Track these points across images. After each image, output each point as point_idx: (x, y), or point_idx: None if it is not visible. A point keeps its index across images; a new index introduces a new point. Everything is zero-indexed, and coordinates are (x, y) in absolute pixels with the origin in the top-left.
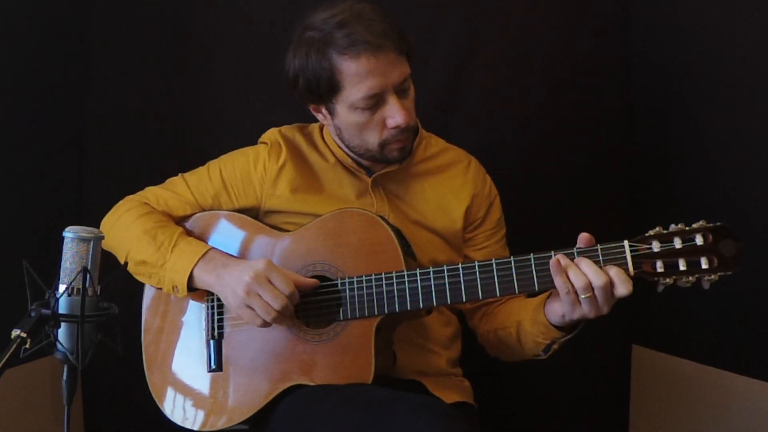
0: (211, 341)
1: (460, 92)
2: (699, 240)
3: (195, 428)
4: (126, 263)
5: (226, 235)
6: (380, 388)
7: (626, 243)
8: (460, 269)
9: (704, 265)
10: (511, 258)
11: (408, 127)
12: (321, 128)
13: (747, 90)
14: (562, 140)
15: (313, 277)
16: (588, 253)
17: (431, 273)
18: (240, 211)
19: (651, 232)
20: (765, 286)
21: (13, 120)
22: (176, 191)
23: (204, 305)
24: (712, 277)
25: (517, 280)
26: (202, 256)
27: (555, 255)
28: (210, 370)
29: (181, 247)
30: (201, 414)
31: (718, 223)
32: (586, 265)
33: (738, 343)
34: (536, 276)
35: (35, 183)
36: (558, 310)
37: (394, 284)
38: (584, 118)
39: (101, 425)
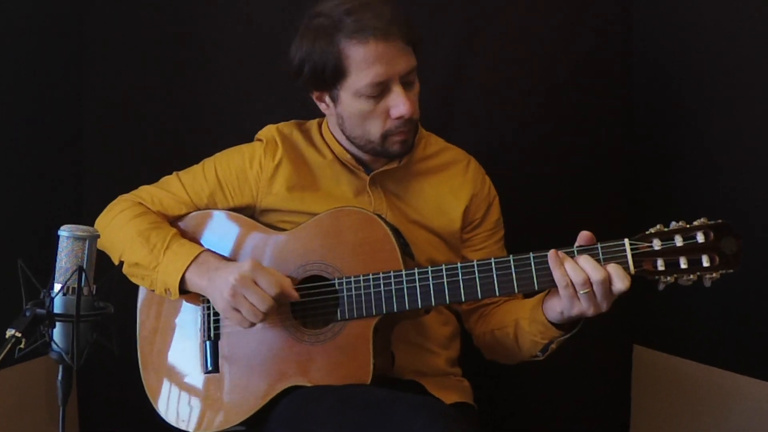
0: (207, 342)
1: (460, 92)
2: (700, 237)
3: (189, 429)
4: (121, 263)
5: (221, 234)
6: (379, 389)
7: (626, 241)
8: (459, 269)
9: (705, 263)
10: (510, 257)
11: (411, 120)
12: (319, 125)
13: (747, 89)
14: (563, 140)
15: (310, 276)
16: (588, 252)
17: (430, 272)
18: (235, 209)
19: (651, 230)
20: (767, 285)
21: (12, 119)
22: (171, 190)
23: (199, 307)
24: (714, 275)
25: (516, 279)
26: (194, 259)
27: None
28: (207, 372)
29: (173, 250)
30: (196, 415)
31: (720, 221)
32: (585, 260)
33: (740, 342)
34: (536, 275)
35: (34, 182)
36: (557, 306)
37: (392, 284)
38: (584, 117)
39: (97, 426)
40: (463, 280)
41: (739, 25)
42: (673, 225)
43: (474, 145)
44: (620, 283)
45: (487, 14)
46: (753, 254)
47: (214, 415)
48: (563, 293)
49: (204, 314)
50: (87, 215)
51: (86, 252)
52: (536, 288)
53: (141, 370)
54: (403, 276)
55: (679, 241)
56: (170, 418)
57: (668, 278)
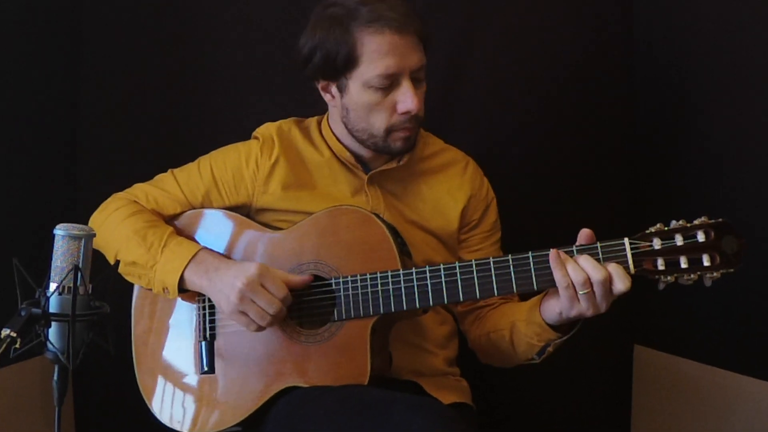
0: (203, 343)
1: (460, 91)
2: (701, 237)
3: (184, 430)
4: (117, 263)
5: (217, 234)
6: (376, 389)
7: (626, 240)
8: (457, 268)
9: (706, 263)
10: (509, 256)
11: (417, 116)
12: (319, 122)
13: (748, 88)
14: (563, 139)
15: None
16: (588, 251)
17: (427, 272)
18: (231, 208)
19: (652, 229)
20: None
21: (6, 117)
22: (166, 188)
23: (195, 306)
24: (714, 274)
25: (515, 279)
26: (193, 257)
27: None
28: (202, 372)
29: (171, 248)
30: (190, 415)
31: (720, 220)
32: (585, 260)
33: (741, 342)
34: (535, 274)
35: (29, 181)
36: (555, 307)
37: (390, 284)
38: (585, 116)
39: (92, 426)
40: (461, 280)
41: (739, 24)
42: (674, 224)
43: (473, 145)
44: (621, 283)
45: (486, 13)
46: (754, 253)
47: (209, 415)
48: (563, 294)
49: (200, 314)
50: (82, 213)
51: (82, 251)
52: (535, 288)
53: (136, 371)
54: (401, 276)
55: (679, 240)
56: (165, 419)
57: (669, 278)
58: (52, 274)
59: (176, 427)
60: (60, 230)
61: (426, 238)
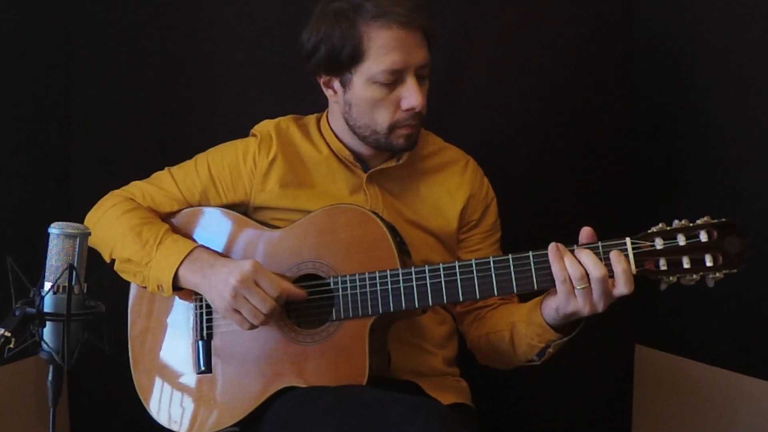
0: (200, 342)
1: (460, 91)
2: (703, 237)
3: (181, 431)
4: (112, 261)
5: (215, 232)
6: (375, 390)
7: (628, 240)
8: (457, 268)
9: (709, 263)
10: (509, 256)
11: (420, 114)
12: (318, 120)
13: (750, 87)
14: (564, 138)
15: (304, 275)
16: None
17: (427, 272)
18: (228, 206)
19: (654, 229)
20: None
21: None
22: (162, 186)
23: (191, 305)
24: (717, 275)
25: (515, 278)
26: (188, 254)
27: None
28: (199, 372)
29: (166, 245)
30: (188, 416)
31: (723, 219)
32: (586, 255)
33: (743, 342)
34: (535, 274)
35: (23, 179)
36: (552, 303)
37: (389, 283)
38: (586, 115)
39: (88, 427)
40: (460, 279)
41: (739, 24)
42: (676, 224)
43: (473, 145)
44: (624, 286)
45: (486, 13)
46: (757, 253)
47: (207, 416)
48: (560, 288)
49: (197, 313)
50: (77, 212)
51: (77, 250)
52: (535, 287)
53: (132, 370)
54: (400, 275)
55: (681, 240)
56: (162, 419)
57: (671, 278)
58: (47, 273)
59: (173, 427)
60: (55, 229)
61: (425, 237)
